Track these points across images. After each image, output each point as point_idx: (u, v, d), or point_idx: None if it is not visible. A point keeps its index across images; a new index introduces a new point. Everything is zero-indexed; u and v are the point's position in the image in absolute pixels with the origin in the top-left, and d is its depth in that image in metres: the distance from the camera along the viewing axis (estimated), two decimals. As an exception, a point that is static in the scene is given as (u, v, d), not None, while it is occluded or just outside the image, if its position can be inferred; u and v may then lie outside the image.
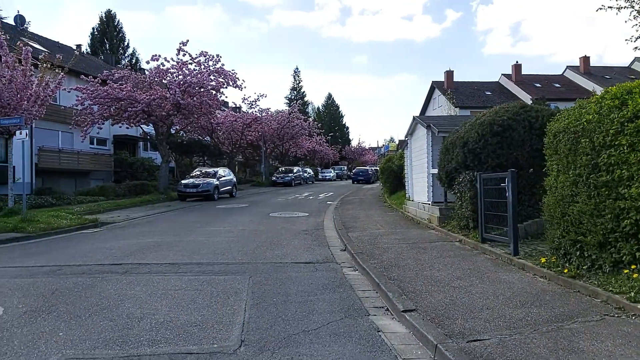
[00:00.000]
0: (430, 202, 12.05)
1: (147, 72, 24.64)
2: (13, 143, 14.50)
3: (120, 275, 7.19)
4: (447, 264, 7.37)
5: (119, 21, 58.62)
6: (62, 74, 15.53)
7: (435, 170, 11.63)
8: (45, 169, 26.57)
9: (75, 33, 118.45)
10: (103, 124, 24.47)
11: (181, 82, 23.39)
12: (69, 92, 23.52)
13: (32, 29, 37.58)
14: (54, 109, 26.92)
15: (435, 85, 47.69)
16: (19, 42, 14.27)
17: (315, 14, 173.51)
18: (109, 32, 56.48)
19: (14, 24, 32.49)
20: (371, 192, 28.22)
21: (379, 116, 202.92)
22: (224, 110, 39.76)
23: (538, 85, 47.63)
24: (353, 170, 51.81)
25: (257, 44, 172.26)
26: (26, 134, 12.96)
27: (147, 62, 25.57)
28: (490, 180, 8.21)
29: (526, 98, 39.75)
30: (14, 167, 14.14)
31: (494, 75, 63.54)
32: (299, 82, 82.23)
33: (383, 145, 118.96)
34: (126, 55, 57.42)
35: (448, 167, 9.82)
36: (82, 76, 23.44)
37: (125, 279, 6.90)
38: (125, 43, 58.38)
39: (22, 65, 13.97)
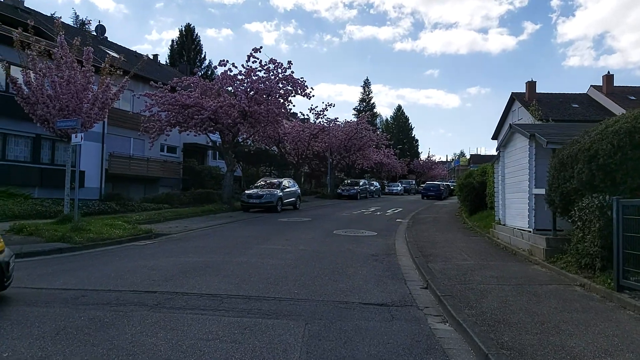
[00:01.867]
0: (530, 229, 9.80)
1: (215, 78, 24.03)
2: (70, 147, 14.01)
3: (148, 310, 5.81)
4: (578, 324, 5.29)
5: (197, 34, 60.27)
6: (126, 77, 14.94)
7: (540, 191, 9.43)
8: (116, 175, 26.82)
9: (159, 47, 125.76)
10: (170, 131, 24.17)
11: (248, 89, 22.52)
12: (138, 97, 23.47)
13: (118, 42, 39.01)
14: (126, 116, 27.24)
15: (515, 97, 44.02)
16: (87, 47, 13.82)
17: (387, 28, 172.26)
18: (187, 45, 58.22)
19: (94, 33, 33.73)
20: (445, 210, 25.78)
21: (450, 130, 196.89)
22: (292, 121, 38.96)
23: (632, 97, 42.60)
24: (423, 185, 49.10)
25: (329, 58, 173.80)
26: (81, 137, 12.31)
27: (215, 67, 24.88)
28: (634, 208, 6.02)
29: (619, 111, 35.41)
30: (72, 171, 13.52)
31: (576, 89, 58.43)
32: (369, 94, 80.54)
33: (453, 159, 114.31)
34: (202, 67, 58.87)
35: (564, 187, 7.65)
36: (152, 82, 23.25)
37: (151, 317, 5.50)
38: (202, 55, 59.84)
39: (83, 67, 13.46)
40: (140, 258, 9.81)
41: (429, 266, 8.88)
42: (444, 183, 50.61)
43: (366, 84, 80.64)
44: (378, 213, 23.94)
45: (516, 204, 10.85)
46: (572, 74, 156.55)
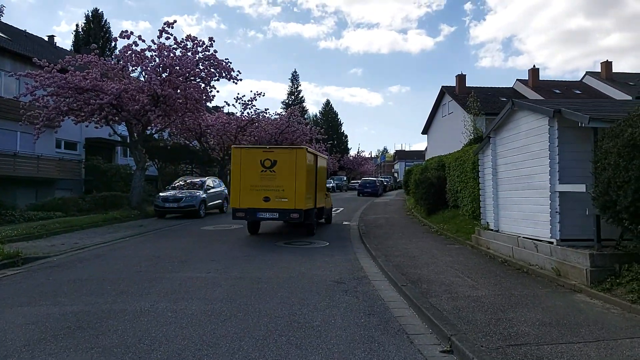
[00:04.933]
0: (553, 240, 7.21)
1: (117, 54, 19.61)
2: None
3: None
4: None
5: (106, 21, 53.34)
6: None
7: (566, 187, 6.87)
8: (-4, 177, 21.50)
9: (68, 40, 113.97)
10: (62, 120, 19.45)
11: (159, 66, 18.50)
12: (17, 78, 18.55)
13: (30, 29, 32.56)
14: (9, 104, 21.89)
15: (445, 90, 43.01)
16: None
17: (311, 26, 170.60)
18: (94, 31, 51.39)
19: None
20: (392, 209, 23.39)
21: (373, 127, 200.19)
22: (215, 113, 34.89)
23: (557, 91, 43.42)
24: (358, 181, 46.98)
25: (253, 55, 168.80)
26: None
27: (115, 40, 20.46)
28: None
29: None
30: None
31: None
32: (297, 86, 77.58)
33: (377, 155, 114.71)
34: (113, 57, 52.27)
35: (630, 185, 5.05)
36: (35, 60, 18.41)
37: None
38: (113, 44, 53.21)
39: None
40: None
41: (432, 303, 5.95)
42: (379, 179, 48.95)
43: (294, 77, 77.75)
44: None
45: (522, 205, 8.27)
46: (484, 74, 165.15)
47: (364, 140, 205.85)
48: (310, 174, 13.18)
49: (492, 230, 9.57)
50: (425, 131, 45.90)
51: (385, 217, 18.65)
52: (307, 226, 13.51)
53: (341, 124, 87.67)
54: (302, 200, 12.34)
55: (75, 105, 18.68)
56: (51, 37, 35.97)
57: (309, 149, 13.88)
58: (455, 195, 14.47)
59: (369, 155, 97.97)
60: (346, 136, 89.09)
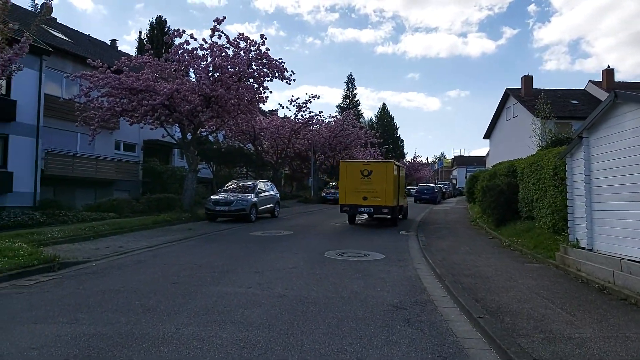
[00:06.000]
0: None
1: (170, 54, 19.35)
2: None
3: None
4: None
5: (169, 28, 54.74)
6: (26, 35, 10.29)
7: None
8: (56, 177, 21.95)
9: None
10: (116, 121, 19.50)
11: (210, 66, 18.04)
12: (73, 80, 18.73)
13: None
14: (71, 106, 22.30)
15: (510, 93, 40.16)
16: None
17: (369, 32, 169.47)
18: (156, 38, 52.90)
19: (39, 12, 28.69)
20: (453, 218, 21.70)
21: (430, 133, 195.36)
22: (269, 117, 34.51)
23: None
24: (416, 187, 45.08)
25: (310, 61, 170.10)
26: None
27: (167, 36, 20.26)
28: None
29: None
30: None
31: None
32: (352, 90, 76.40)
33: (434, 161, 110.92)
34: (167, 55, 53.46)
35: None
36: (89, 60, 18.52)
37: None
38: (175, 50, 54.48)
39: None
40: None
41: (521, 346, 4.62)
42: (437, 185, 46.85)
43: (350, 80, 76.64)
44: (374, 222, 19.68)
45: (628, 220, 6.68)
46: (549, 77, 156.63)
47: (420, 145, 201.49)
48: (395, 181, 17.53)
49: (583, 248, 7.97)
50: (487, 136, 43.24)
51: (447, 227, 17.10)
52: (392, 219, 17.94)
53: (397, 129, 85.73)
54: (391, 199, 17.07)
55: (129, 106, 18.61)
56: (113, 41, 37.02)
57: (395, 163, 18.60)
58: (530, 205, 12.78)
59: (426, 161, 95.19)
60: (402, 141, 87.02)
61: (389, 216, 17.76)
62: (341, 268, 9.16)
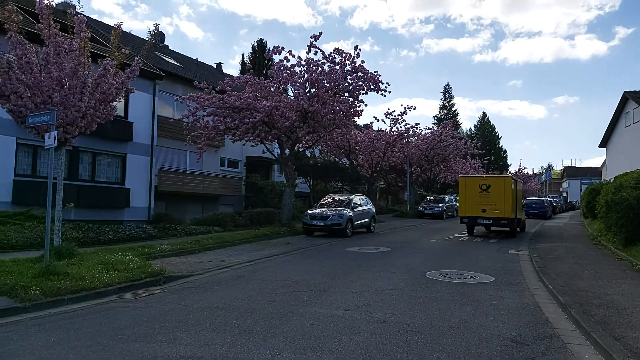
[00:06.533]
0: None
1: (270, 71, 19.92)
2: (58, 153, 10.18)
3: None
4: None
5: (269, 49, 57.58)
6: (137, 58, 11.05)
7: None
8: (168, 193, 23.57)
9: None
10: (221, 140, 20.44)
11: (306, 82, 18.19)
12: (182, 102, 19.98)
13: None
14: (180, 126, 23.89)
15: (628, 96, 35.56)
16: (78, 16, 10.14)
17: (466, 40, 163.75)
18: (258, 59, 55.68)
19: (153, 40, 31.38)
20: (570, 235, 19.59)
21: (535, 142, 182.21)
22: (364, 131, 34.23)
23: None
24: (524, 201, 41.98)
25: (405, 73, 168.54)
26: (55, 138, 8.41)
27: (267, 53, 20.92)
28: None
29: None
30: (59, 186, 9.76)
31: None
32: (450, 100, 73.74)
33: (540, 173, 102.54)
34: (266, 74, 55.72)
35: None
36: (195, 82, 19.66)
37: None
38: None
39: (68, 40, 9.69)
40: (89, 342, 5.45)
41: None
42: (547, 199, 43.17)
43: (447, 90, 74.07)
44: (478, 239, 18.37)
45: None
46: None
47: (525, 156, 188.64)
48: (513, 194, 18.53)
49: None
50: (603, 144, 38.90)
51: (564, 246, 15.35)
52: (511, 230, 18.93)
53: (499, 139, 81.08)
54: (509, 212, 18.13)
55: (232, 124, 19.40)
56: (219, 64, 39.37)
57: (513, 177, 19.99)
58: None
59: (532, 173, 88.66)
60: (505, 152, 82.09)
61: (507, 228, 18.79)
62: (446, 291, 8.41)
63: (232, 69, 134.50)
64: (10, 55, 9.28)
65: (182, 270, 10.50)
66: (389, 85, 19.96)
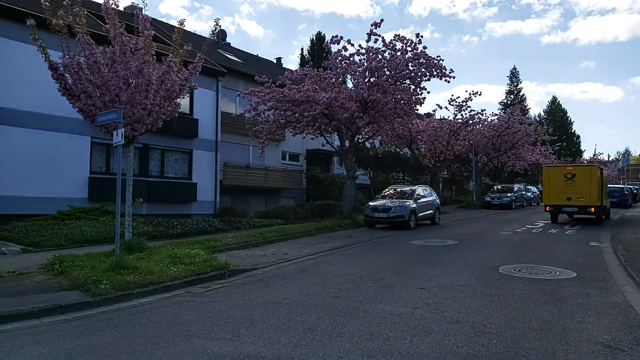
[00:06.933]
0: None
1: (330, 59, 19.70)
2: (127, 151, 10.50)
3: None
4: None
5: (327, 42, 57.29)
6: (198, 55, 11.18)
7: None
8: (232, 186, 24.08)
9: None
10: (282, 133, 20.50)
11: (365, 70, 17.73)
12: (243, 97, 20.20)
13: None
14: (243, 121, 24.30)
15: None
16: (144, 15, 10.39)
17: (532, 21, 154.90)
18: (317, 52, 55.66)
19: (215, 39, 32.10)
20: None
21: (611, 127, 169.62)
22: (425, 120, 33.17)
23: None
24: (602, 190, 39.13)
25: (467, 59, 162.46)
26: (122, 136, 8.65)
27: (325, 43, 20.75)
28: None
29: None
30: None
31: None
32: (517, 85, 70.08)
33: (617, 158, 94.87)
34: (325, 65, 55.47)
35: None
36: (256, 77, 19.79)
37: None
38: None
39: (133, 39, 9.96)
40: (158, 339, 5.49)
41: None
42: (627, 186, 39.97)
43: (513, 74, 70.41)
44: (553, 230, 17.18)
45: None
46: None
47: (600, 141, 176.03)
48: (598, 182, 18.86)
49: None
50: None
51: (653, 239, 13.98)
52: (597, 218, 19.11)
53: (571, 124, 76.14)
54: (595, 200, 18.44)
55: (292, 117, 19.38)
56: (278, 59, 39.67)
57: (599, 166, 20.66)
58: None
59: (607, 159, 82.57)
60: (578, 137, 77.14)
61: (593, 216, 18.99)
62: (523, 288, 7.80)
63: (291, 63, 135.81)
64: (79, 57, 9.65)
65: (246, 264, 10.56)
66: (453, 71, 19.06)
